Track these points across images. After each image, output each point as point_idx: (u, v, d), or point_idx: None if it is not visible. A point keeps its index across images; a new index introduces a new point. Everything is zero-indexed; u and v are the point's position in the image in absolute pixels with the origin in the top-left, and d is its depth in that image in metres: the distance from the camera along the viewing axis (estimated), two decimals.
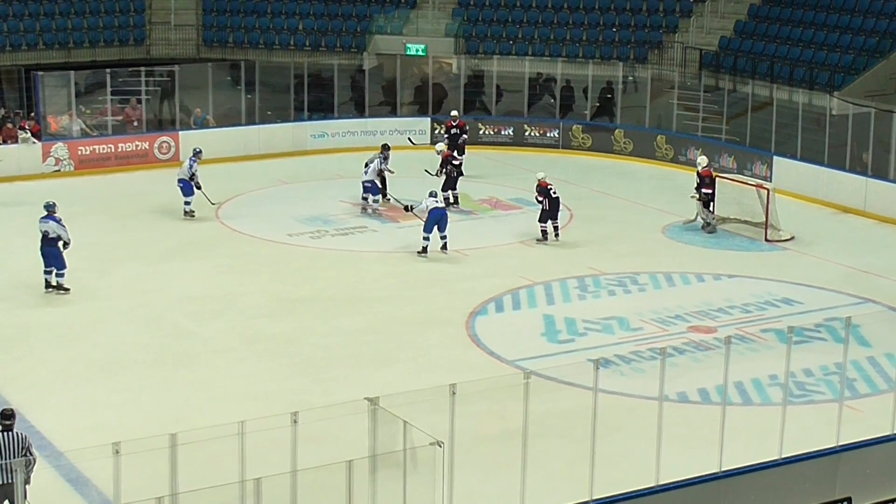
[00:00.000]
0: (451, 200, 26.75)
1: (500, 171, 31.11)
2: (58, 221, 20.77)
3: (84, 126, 30.97)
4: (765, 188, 25.64)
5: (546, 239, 24.55)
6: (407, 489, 11.57)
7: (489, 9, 37.40)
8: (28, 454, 12.30)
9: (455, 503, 12.08)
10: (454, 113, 30.98)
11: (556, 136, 33.61)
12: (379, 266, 23.08)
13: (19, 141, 29.64)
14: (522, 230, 25.24)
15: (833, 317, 19.63)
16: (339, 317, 20.20)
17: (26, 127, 30.01)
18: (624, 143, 32.92)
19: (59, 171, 29.71)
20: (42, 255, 20.78)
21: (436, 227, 23.46)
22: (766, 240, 25.06)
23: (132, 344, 18.81)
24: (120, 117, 31.62)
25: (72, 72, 31.34)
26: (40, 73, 31.16)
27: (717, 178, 26.23)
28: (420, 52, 36.05)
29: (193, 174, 25.77)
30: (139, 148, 30.82)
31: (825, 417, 14.97)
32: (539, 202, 24.59)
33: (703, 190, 25.50)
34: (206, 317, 20.13)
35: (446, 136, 30.48)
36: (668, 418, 13.05)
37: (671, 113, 32.59)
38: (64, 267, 20.78)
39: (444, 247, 23.59)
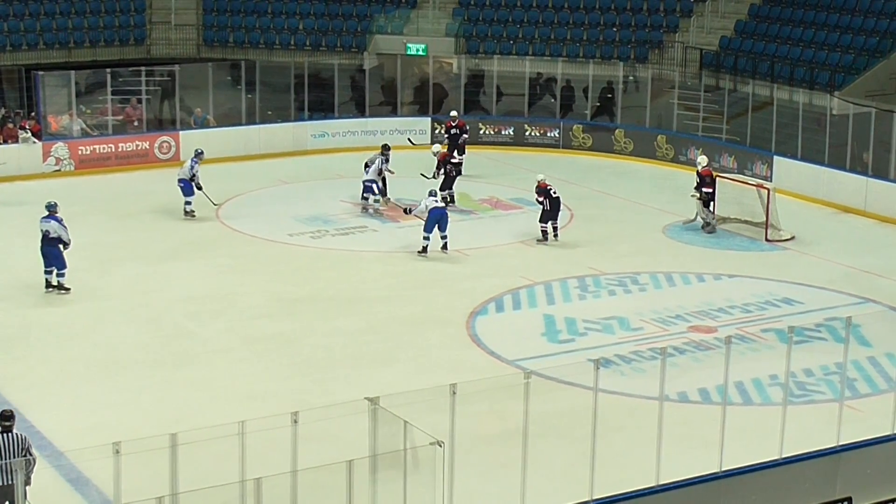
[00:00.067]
0: (448, 200, 26.72)
1: (500, 171, 31.11)
2: (59, 222, 20.77)
3: (84, 126, 30.97)
4: (765, 188, 25.64)
5: (546, 239, 24.55)
6: (407, 489, 11.56)
7: (490, 8, 37.40)
8: (28, 455, 12.29)
9: (455, 503, 12.07)
10: (453, 113, 30.99)
11: (557, 135, 33.61)
12: (379, 266, 23.07)
13: (20, 141, 29.64)
14: (523, 230, 25.24)
15: (833, 317, 19.63)
16: (339, 317, 20.19)
17: (27, 127, 30.02)
18: (624, 142, 32.92)
19: (59, 170, 29.71)
20: (42, 254, 20.78)
21: (436, 227, 23.46)
22: (767, 240, 25.06)
23: (132, 344, 18.81)
24: (120, 117, 31.63)
25: (72, 71, 31.36)
26: (41, 72, 31.16)
27: (717, 178, 26.24)
28: (420, 52, 36.05)
29: (194, 175, 25.77)
30: (139, 148, 30.83)
31: (825, 417, 14.97)
32: (540, 203, 24.59)
33: (704, 189, 25.50)
34: (206, 317, 20.13)
35: (446, 136, 30.49)
36: (668, 418, 13.05)
37: (671, 113, 32.59)
38: (64, 267, 20.79)
39: (445, 247, 23.58)
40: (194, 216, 25.78)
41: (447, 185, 27.00)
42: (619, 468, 13.55)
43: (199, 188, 25.82)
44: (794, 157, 29.18)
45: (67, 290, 20.82)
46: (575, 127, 33.53)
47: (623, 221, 26.60)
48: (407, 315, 20.39)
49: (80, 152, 30.10)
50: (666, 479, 12.79)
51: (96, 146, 30.44)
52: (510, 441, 12.81)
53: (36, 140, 29.80)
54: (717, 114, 31.84)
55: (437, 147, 28.05)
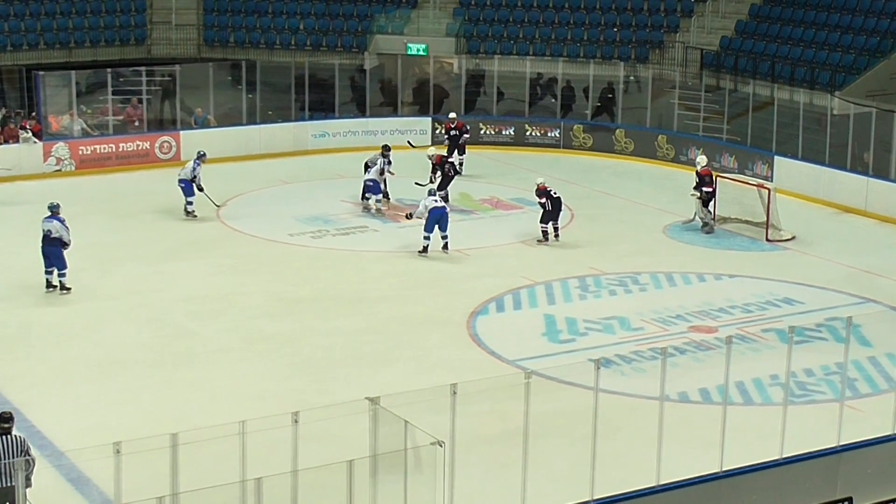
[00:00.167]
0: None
1: (500, 171, 31.12)
2: (61, 222, 20.80)
3: (85, 126, 30.98)
4: (766, 188, 25.64)
5: (546, 240, 24.54)
6: (408, 489, 11.56)
7: (490, 8, 37.41)
8: (27, 456, 12.26)
9: (456, 503, 12.07)
10: (452, 115, 31.02)
11: (557, 135, 33.61)
12: (380, 266, 23.07)
13: (20, 141, 29.64)
14: (523, 230, 25.24)
15: (834, 316, 19.62)
16: (339, 317, 20.19)
17: (27, 127, 30.02)
18: (625, 142, 32.92)
19: (60, 170, 29.71)
20: (43, 254, 20.78)
21: (437, 227, 23.46)
22: (768, 239, 25.06)
23: (133, 344, 18.81)
24: (121, 117, 31.64)
25: (73, 71, 31.38)
26: (41, 72, 31.17)
27: (718, 178, 26.25)
28: (421, 52, 36.05)
29: (195, 176, 25.77)
30: (140, 148, 30.83)
31: (826, 417, 14.96)
32: (541, 205, 24.59)
33: (704, 189, 25.49)
34: (206, 317, 20.13)
35: (446, 137, 30.52)
36: (669, 418, 13.04)
37: (672, 113, 32.59)
38: (65, 267, 20.79)
39: (446, 246, 23.58)
40: (196, 216, 25.78)
41: (444, 184, 26.96)
42: (619, 468, 13.55)
43: (201, 189, 25.82)
44: (794, 157, 29.18)
45: (68, 289, 20.82)
46: (575, 127, 33.53)
47: (624, 221, 26.60)
48: (407, 315, 20.39)
49: (80, 152, 30.11)
50: (666, 479, 12.78)
51: (97, 146, 30.45)
52: (511, 441, 12.80)
53: (37, 140, 29.81)
54: (717, 114, 31.85)
55: (432, 150, 28.01)
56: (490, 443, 14.76)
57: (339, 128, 33.14)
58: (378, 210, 26.52)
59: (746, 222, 25.81)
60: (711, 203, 25.65)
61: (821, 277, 22.66)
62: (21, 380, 17.34)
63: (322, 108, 33.70)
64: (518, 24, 36.95)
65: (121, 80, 31.95)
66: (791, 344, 13.75)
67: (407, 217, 24.37)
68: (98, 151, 30.40)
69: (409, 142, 27.82)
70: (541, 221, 24.61)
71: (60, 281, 20.80)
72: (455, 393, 11.85)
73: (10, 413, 12.57)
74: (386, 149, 27.32)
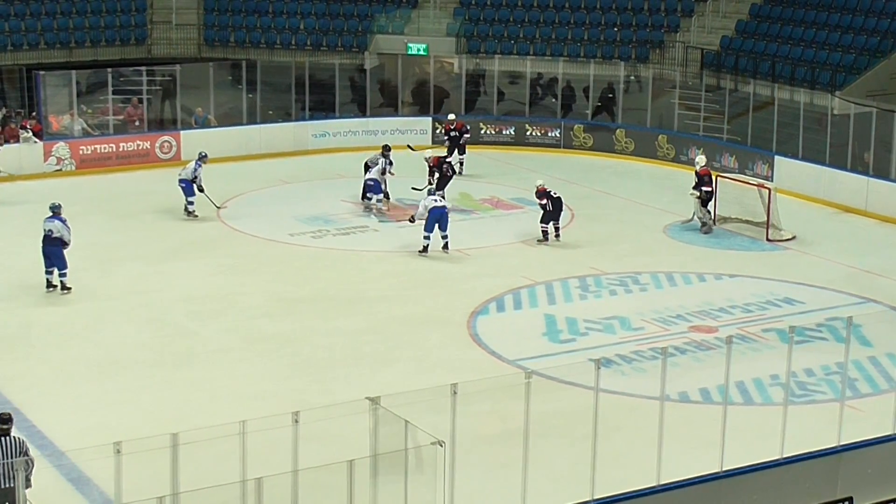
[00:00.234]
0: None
1: (501, 171, 31.12)
2: (63, 222, 20.82)
3: (85, 125, 30.98)
4: (766, 188, 25.64)
5: (546, 240, 24.54)
6: (408, 489, 11.56)
7: (491, 8, 37.40)
8: (25, 458, 12.23)
9: (456, 503, 12.07)
10: (451, 116, 31.03)
11: (558, 135, 33.61)
12: (380, 266, 23.07)
13: (21, 140, 29.64)
14: (524, 230, 25.23)
15: (834, 316, 19.62)
16: (340, 317, 20.19)
17: (28, 126, 30.02)
18: (625, 142, 32.92)
19: (60, 170, 29.71)
20: (44, 254, 20.78)
21: (437, 227, 23.45)
22: (768, 239, 25.05)
23: (133, 344, 18.81)
24: (121, 117, 31.64)
25: (73, 71, 31.38)
26: (42, 72, 31.17)
27: (718, 178, 26.27)
28: (422, 52, 36.05)
29: (196, 177, 25.77)
30: (140, 147, 30.83)
31: (826, 417, 14.96)
32: (542, 206, 24.58)
33: (703, 188, 25.48)
34: (206, 316, 20.13)
35: (446, 138, 30.53)
36: (669, 418, 13.03)
37: (672, 112, 32.58)
38: (66, 266, 20.79)
39: (446, 246, 23.58)
40: (196, 216, 25.77)
41: (443, 184, 26.94)
42: (619, 468, 13.54)
43: (201, 190, 25.82)
44: (795, 156, 29.17)
45: (69, 289, 20.82)
46: (576, 127, 33.53)
47: (624, 221, 26.60)
48: (407, 315, 20.39)
49: (81, 152, 30.11)
50: (667, 479, 12.78)
51: (97, 146, 30.45)
52: (511, 441, 12.80)
53: (37, 140, 29.81)
54: (718, 113, 31.85)
55: (428, 153, 27.95)
56: (490, 443, 14.76)
57: (339, 128, 33.14)
58: (379, 210, 26.52)
59: (747, 222, 25.80)
60: (711, 203, 25.63)
61: (821, 277, 22.65)
62: (21, 380, 17.34)
63: (322, 107, 33.70)
64: (518, 24, 36.95)
65: (121, 79, 31.94)
66: (791, 344, 13.75)
67: (410, 220, 24.23)
68: (98, 151, 30.40)
69: (408, 145, 27.80)
70: (541, 221, 24.61)
71: (61, 281, 20.80)
72: (455, 393, 11.84)
73: (9, 414, 12.54)
74: (386, 149, 27.32)
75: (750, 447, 13.66)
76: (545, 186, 24.71)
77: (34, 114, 31.32)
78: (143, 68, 32.46)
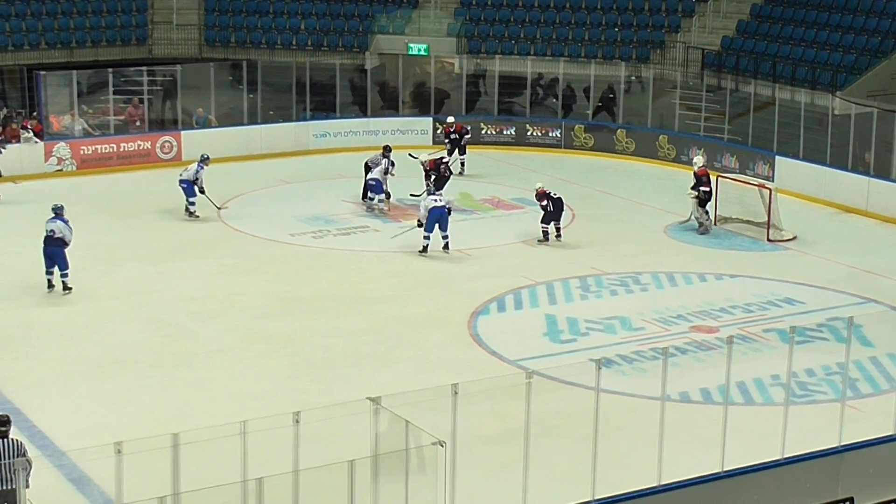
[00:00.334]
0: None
1: (502, 171, 31.12)
2: (65, 223, 20.85)
3: (86, 126, 30.98)
4: (767, 188, 25.64)
5: (547, 240, 24.54)
6: (409, 489, 11.56)
7: (491, 8, 37.40)
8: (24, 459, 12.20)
9: (457, 503, 12.07)
10: (450, 119, 31.04)
11: (559, 135, 33.61)
12: (380, 266, 23.07)
13: (22, 140, 29.64)
14: (524, 230, 25.23)
15: (835, 317, 19.62)
16: (340, 316, 20.19)
17: (29, 126, 30.03)
18: (626, 142, 32.92)
19: (61, 170, 29.71)
20: (45, 255, 20.77)
21: (437, 227, 23.45)
22: (769, 239, 25.05)
23: (134, 344, 18.81)
24: (122, 117, 31.64)
25: (74, 71, 31.39)
26: (42, 72, 31.17)
27: (719, 178, 26.30)
28: (422, 52, 36.05)
29: (198, 178, 25.77)
30: (141, 148, 30.83)
31: (827, 417, 14.96)
32: (543, 207, 24.58)
33: (702, 188, 25.47)
34: (207, 317, 20.13)
35: (447, 140, 30.53)
36: (670, 418, 13.03)
37: (673, 113, 32.58)
38: (67, 267, 20.79)
39: (446, 246, 23.58)
40: (197, 217, 25.77)
41: (440, 185, 26.90)
42: (620, 468, 13.54)
43: (202, 191, 25.82)
44: (795, 157, 29.17)
45: (70, 289, 20.83)
46: (577, 127, 33.52)
47: (625, 221, 26.60)
48: (408, 315, 20.39)
49: (81, 152, 30.11)
50: (668, 479, 12.78)
51: (98, 146, 30.45)
52: (512, 441, 12.79)
53: (38, 140, 29.81)
54: (718, 114, 31.85)
55: (424, 156, 27.89)
56: (491, 443, 14.76)
57: (340, 128, 33.14)
58: (381, 210, 26.51)
59: (748, 222, 25.80)
60: (710, 203, 25.61)
61: (822, 277, 22.65)
62: (22, 380, 17.34)
63: (323, 108, 33.70)
64: (519, 24, 36.95)
65: (122, 79, 31.93)
66: (792, 344, 13.74)
67: (419, 225, 24.01)
68: (99, 151, 30.40)
69: (410, 154, 27.79)
70: (542, 222, 24.61)
71: (63, 281, 20.80)
72: (456, 393, 11.84)
73: (7, 416, 12.51)
74: (387, 149, 27.32)
75: (751, 447, 13.66)
76: (544, 188, 24.71)
77: (35, 114, 31.33)
78: (144, 68, 32.47)
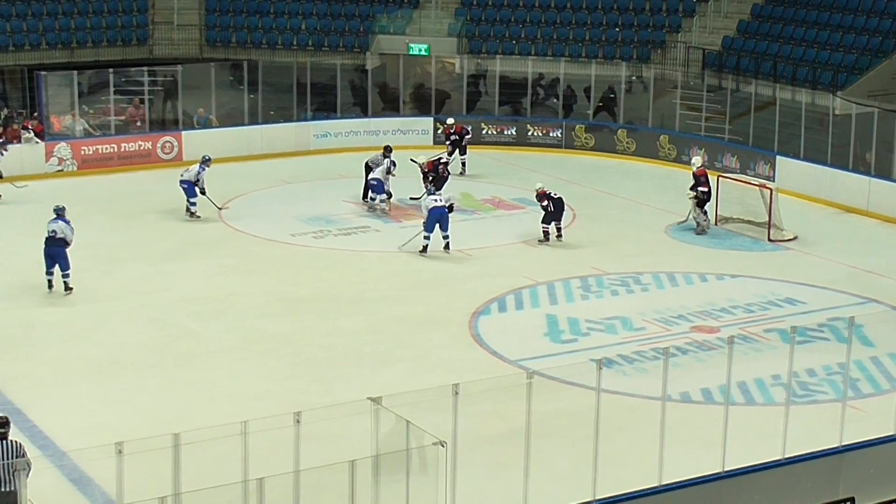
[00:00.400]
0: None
1: (502, 171, 31.11)
2: (67, 223, 20.87)
3: (87, 126, 30.99)
4: (768, 188, 25.63)
5: (548, 240, 24.54)
6: (410, 489, 11.56)
7: (492, 8, 37.41)
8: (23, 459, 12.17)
9: (458, 503, 12.06)
10: (450, 121, 31.04)
11: (559, 135, 33.60)
12: (381, 266, 23.07)
13: (22, 141, 29.64)
14: (525, 230, 25.23)
15: (836, 317, 19.62)
16: (341, 317, 20.19)
17: (29, 127, 30.03)
18: (627, 142, 32.92)
19: (62, 170, 29.72)
20: (46, 255, 20.76)
21: (438, 227, 23.44)
22: (770, 239, 25.05)
23: (134, 344, 18.81)
24: (123, 117, 31.64)
25: (75, 72, 31.40)
26: (43, 72, 31.17)
27: (720, 179, 26.30)
28: (423, 52, 36.05)
29: (199, 180, 25.77)
30: (142, 148, 30.83)
31: (828, 417, 14.96)
32: (543, 208, 24.58)
33: (700, 189, 25.46)
34: (208, 317, 20.13)
35: (448, 142, 30.52)
36: (670, 418, 13.03)
37: (674, 113, 32.57)
38: (69, 267, 20.80)
39: (447, 246, 23.58)
40: (198, 217, 25.77)
41: (439, 185, 26.86)
42: (621, 468, 13.54)
43: (203, 192, 25.83)
44: (796, 157, 29.16)
45: (71, 290, 20.83)
46: (577, 127, 33.51)
47: (625, 221, 26.59)
48: (409, 315, 20.39)
49: (82, 152, 30.11)
50: (668, 480, 12.78)
51: (99, 146, 30.45)
52: (513, 441, 12.80)
53: (39, 140, 29.81)
54: (719, 114, 31.85)
55: (421, 158, 27.85)
56: (492, 443, 14.76)
57: (340, 128, 33.14)
58: (383, 210, 26.51)
59: (748, 222, 25.80)
60: (708, 204, 25.58)
61: (823, 277, 22.64)
62: (22, 380, 17.34)
63: (324, 108, 33.69)
64: (520, 24, 36.96)
65: (123, 80, 31.94)
66: (793, 344, 13.74)
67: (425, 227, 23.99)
68: (100, 152, 30.40)
69: (411, 159, 27.82)
70: (542, 222, 24.61)
71: (64, 281, 20.80)
72: (457, 393, 11.84)
73: (6, 418, 12.47)
74: (388, 149, 27.32)
75: (752, 447, 13.66)
76: (544, 188, 24.70)
77: (36, 114, 31.33)
78: (145, 69, 32.48)
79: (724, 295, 21.52)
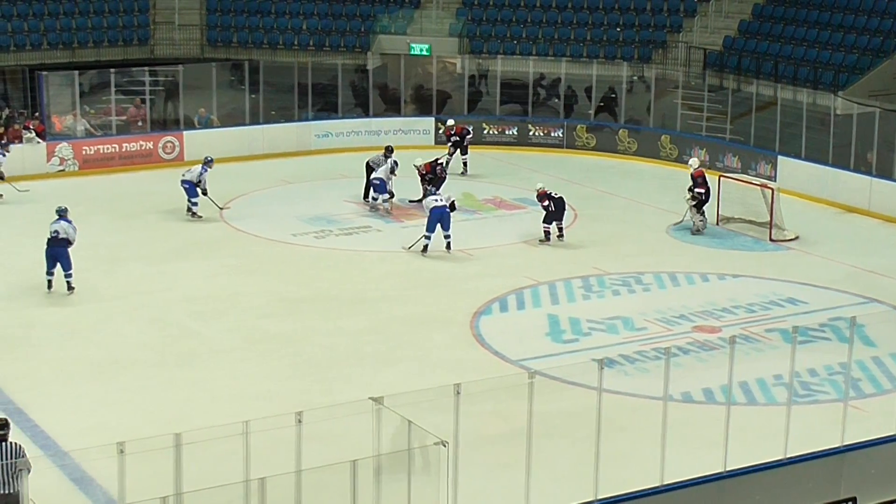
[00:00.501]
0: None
1: (504, 171, 31.10)
2: (70, 223, 20.88)
3: (88, 126, 30.99)
4: (769, 188, 25.62)
5: (548, 240, 24.53)
6: (411, 489, 11.56)
7: (493, 8, 37.41)
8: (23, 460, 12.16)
9: (459, 503, 12.06)
10: (450, 122, 31.04)
11: (561, 135, 33.60)
12: (382, 266, 23.07)
13: (24, 141, 29.66)
14: (527, 230, 25.22)
15: (838, 316, 19.61)
16: (342, 317, 20.19)
17: (31, 127, 30.04)
18: (628, 142, 32.91)
19: (63, 170, 29.72)
20: (48, 255, 20.75)
21: (439, 226, 23.44)
22: (771, 239, 25.04)
23: (136, 344, 18.81)
24: (124, 117, 31.65)
25: (76, 72, 31.41)
26: (44, 72, 31.17)
27: (721, 178, 26.29)
28: (424, 52, 36.05)
29: (201, 181, 25.77)
30: (143, 148, 30.84)
31: (830, 417, 14.96)
32: (545, 208, 24.57)
33: (697, 190, 25.45)
34: (209, 317, 20.13)
35: (449, 143, 30.51)
36: (672, 418, 13.03)
37: (675, 113, 32.57)
38: (71, 267, 20.81)
39: (448, 246, 23.58)
40: (200, 217, 25.76)
41: (438, 186, 26.83)
42: (623, 468, 13.53)
43: (205, 193, 25.83)
44: (797, 156, 29.16)
45: (73, 289, 20.84)
46: (579, 127, 33.51)
47: (627, 221, 26.59)
48: (410, 315, 20.38)
49: (83, 152, 30.12)
50: (670, 479, 12.78)
51: (100, 146, 30.46)
52: (514, 441, 12.79)
53: (40, 140, 29.82)
54: (720, 114, 31.84)
55: (419, 161, 27.83)
56: (493, 443, 14.75)
57: (342, 128, 33.14)
58: (386, 210, 26.50)
59: (750, 222, 25.79)
60: (707, 205, 25.52)
61: (824, 277, 22.64)
62: (24, 380, 17.34)
63: (325, 108, 33.70)
64: (521, 24, 36.95)
65: (124, 80, 31.94)
66: (794, 344, 13.74)
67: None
68: (101, 151, 30.41)
69: (414, 165, 27.85)
70: (544, 221, 24.60)
71: (67, 281, 20.81)
72: (458, 393, 11.85)
73: (6, 420, 12.47)
74: (389, 150, 27.32)
75: (753, 447, 13.65)
76: (545, 189, 24.69)
77: (37, 114, 31.34)
78: (146, 69, 32.49)
79: (726, 295, 21.52)
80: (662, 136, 32.40)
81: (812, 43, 33.16)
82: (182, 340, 19.07)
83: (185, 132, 31.35)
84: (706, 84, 32.55)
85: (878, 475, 13.85)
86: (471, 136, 30.99)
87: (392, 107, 34.84)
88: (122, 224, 25.54)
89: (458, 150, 30.34)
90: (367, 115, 33.97)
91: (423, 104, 35.04)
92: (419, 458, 11.66)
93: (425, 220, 23.73)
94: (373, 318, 20.13)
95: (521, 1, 37.31)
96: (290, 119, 33.21)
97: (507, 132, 33.96)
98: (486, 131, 33.72)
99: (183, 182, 25.93)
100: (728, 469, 13.07)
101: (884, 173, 27.44)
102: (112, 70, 31.70)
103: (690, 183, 25.68)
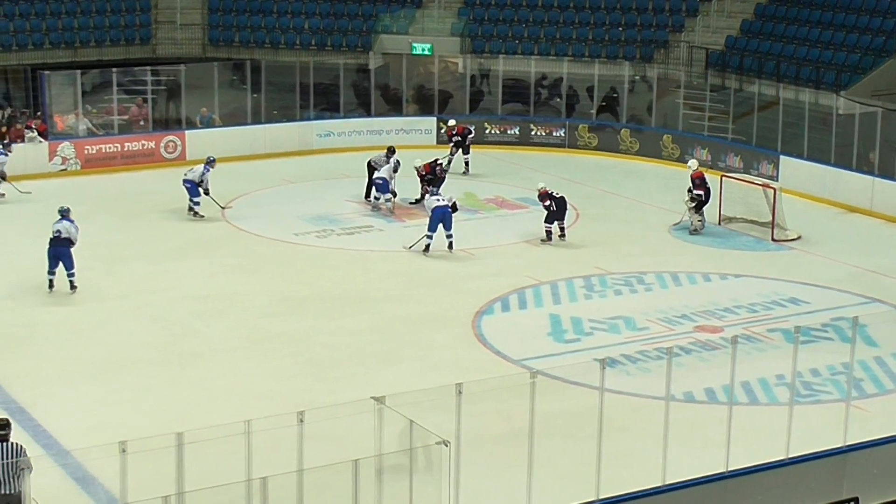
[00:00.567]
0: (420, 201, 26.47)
1: (506, 171, 31.10)
2: (72, 223, 20.91)
3: (90, 125, 31.00)
4: (771, 188, 25.62)
5: (550, 239, 24.52)
6: (413, 489, 11.55)
7: (495, 8, 37.41)
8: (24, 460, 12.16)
9: (461, 503, 12.06)
10: (451, 122, 31.04)
11: (563, 135, 33.59)
12: (385, 265, 23.07)
13: (26, 140, 29.68)
14: (528, 230, 25.22)
15: (840, 316, 19.57)
16: (344, 316, 20.19)
17: (33, 126, 30.06)
18: (630, 142, 32.90)
19: (65, 170, 29.73)
20: (50, 255, 20.75)
21: (441, 226, 23.43)
22: (773, 239, 25.03)
23: (138, 343, 18.81)
24: (126, 116, 31.66)
25: (78, 71, 31.41)
26: (47, 72, 31.17)
27: (723, 178, 26.29)
28: (426, 52, 36.05)
29: (203, 181, 25.77)
30: (145, 147, 30.85)
31: (832, 417, 14.93)
32: (546, 207, 24.57)
33: (695, 191, 25.44)
34: (211, 316, 20.13)
35: (451, 143, 30.51)
36: (674, 418, 13.02)
37: (677, 112, 32.56)
38: (74, 266, 20.82)
39: (451, 245, 23.57)
40: (202, 216, 25.77)
41: (437, 186, 26.79)
42: (624, 468, 13.53)
43: (207, 193, 25.83)
44: (800, 156, 29.14)
45: (76, 288, 20.85)
46: (581, 127, 33.50)
47: (629, 221, 26.58)
48: (412, 314, 20.38)
49: (86, 152, 30.13)
50: (672, 479, 12.78)
51: (102, 146, 30.47)
52: (516, 441, 12.79)
53: (42, 139, 29.83)
54: (722, 113, 31.84)
55: (418, 162, 27.78)
56: (495, 442, 14.74)
57: (343, 127, 33.14)
58: (389, 210, 26.50)
59: (752, 222, 25.78)
60: (706, 206, 25.48)
61: (826, 277, 22.63)
62: (26, 379, 17.35)
63: (327, 107, 33.70)
64: (523, 24, 36.95)
65: (126, 79, 31.95)
66: (797, 344, 13.73)
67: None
68: (103, 151, 30.42)
69: (414, 165, 27.82)
70: (545, 221, 24.59)
71: (69, 280, 20.82)
72: (460, 392, 11.85)
73: (7, 420, 12.46)
74: (391, 150, 27.31)
75: (755, 447, 13.65)
76: (546, 188, 24.68)
77: (39, 114, 31.36)
78: (148, 68, 32.49)
79: (728, 295, 21.51)
80: (664, 136, 32.39)
81: (814, 42, 33.16)
82: (184, 340, 19.07)
83: (187, 132, 31.36)
84: (708, 84, 32.55)
85: (881, 475, 13.84)
86: (472, 135, 30.98)
87: (394, 106, 34.84)
88: (124, 223, 25.55)
89: (460, 150, 30.35)
90: (368, 114, 33.97)
91: (424, 104, 35.04)
92: (421, 458, 11.65)
93: (427, 220, 23.74)
94: (375, 317, 20.13)
95: (522, 0, 37.30)
96: (291, 119, 33.21)
97: (508, 132, 33.95)
98: (487, 131, 33.72)
99: (185, 181, 25.94)
100: (730, 469, 13.07)
101: (886, 173, 27.42)
102: (114, 69, 31.70)
103: (690, 184, 25.68)
